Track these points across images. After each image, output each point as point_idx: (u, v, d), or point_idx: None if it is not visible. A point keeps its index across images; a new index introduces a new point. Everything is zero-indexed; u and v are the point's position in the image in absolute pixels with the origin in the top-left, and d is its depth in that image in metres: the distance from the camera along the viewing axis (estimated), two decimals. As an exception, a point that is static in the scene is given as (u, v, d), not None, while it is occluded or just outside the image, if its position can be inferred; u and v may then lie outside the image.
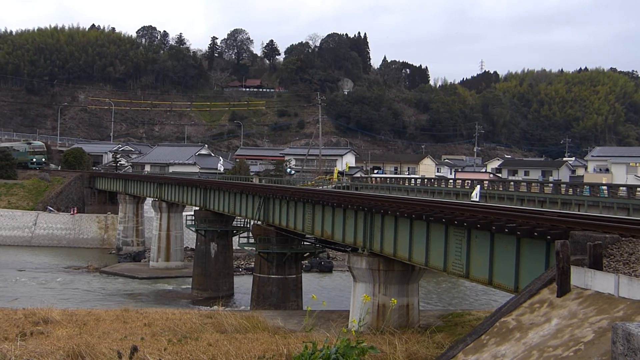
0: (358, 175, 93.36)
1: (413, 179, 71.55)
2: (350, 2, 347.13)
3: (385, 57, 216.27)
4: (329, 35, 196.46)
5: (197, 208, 46.80)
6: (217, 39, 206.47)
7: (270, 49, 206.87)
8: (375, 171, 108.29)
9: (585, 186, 50.23)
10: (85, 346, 13.48)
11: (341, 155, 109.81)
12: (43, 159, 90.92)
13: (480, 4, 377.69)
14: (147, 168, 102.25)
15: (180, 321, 20.75)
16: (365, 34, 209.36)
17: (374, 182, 74.94)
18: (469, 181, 60.87)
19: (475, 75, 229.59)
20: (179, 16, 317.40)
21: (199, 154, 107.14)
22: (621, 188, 45.58)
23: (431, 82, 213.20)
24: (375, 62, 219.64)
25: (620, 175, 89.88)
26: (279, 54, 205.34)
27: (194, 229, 46.48)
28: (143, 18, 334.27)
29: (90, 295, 43.16)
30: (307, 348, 6.68)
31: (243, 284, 45.97)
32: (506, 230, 14.80)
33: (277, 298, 34.09)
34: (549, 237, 13.37)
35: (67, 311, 22.62)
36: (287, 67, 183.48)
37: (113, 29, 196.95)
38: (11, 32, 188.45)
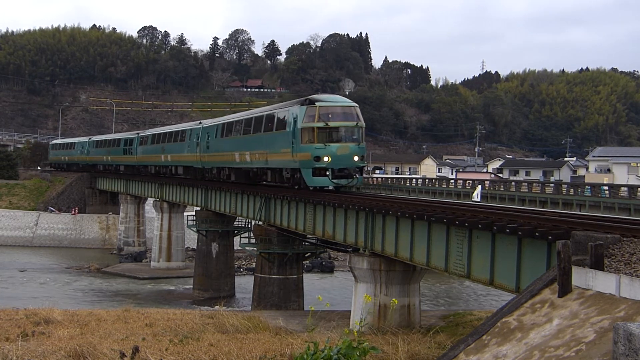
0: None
1: (414, 179, 71.54)
2: (369, 1, 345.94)
3: (386, 57, 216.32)
4: (330, 36, 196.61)
5: (198, 208, 46.81)
6: (218, 39, 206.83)
7: (272, 49, 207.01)
8: (377, 171, 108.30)
9: (586, 186, 50.23)
10: (86, 346, 13.50)
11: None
12: (357, 157, 28.99)
13: (501, 2, 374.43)
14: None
15: (182, 321, 20.77)
16: (367, 34, 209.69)
17: (375, 182, 74.92)
18: (470, 181, 60.86)
19: (476, 75, 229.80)
20: (194, 16, 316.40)
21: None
22: (622, 188, 45.58)
23: (432, 82, 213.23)
24: (377, 62, 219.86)
25: (621, 176, 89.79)
26: (280, 54, 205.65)
27: (195, 229, 46.48)
28: (149, 18, 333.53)
29: (91, 296, 43.19)
30: (309, 348, 6.68)
31: (244, 284, 45.97)
32: (507, 230, 14.80)
33: (278, 298, 34.08)
34: (550, 237, 13.37)
35: (68, 311, 22.63)
36: (288, 68, 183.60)
37: (114, 29, 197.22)
38: (13, 32, 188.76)
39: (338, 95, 33.56)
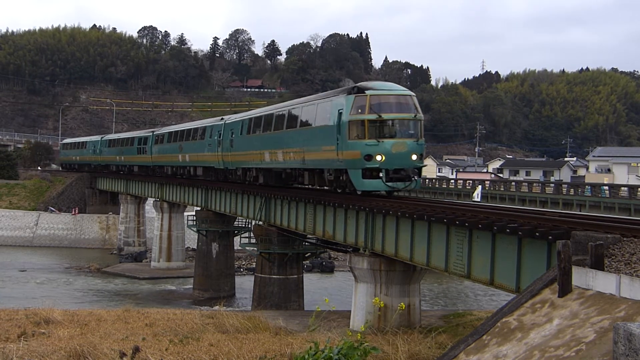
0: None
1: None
2: (369, 1, 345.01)
3: (386, 57, 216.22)
4: (330, 36, 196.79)
5: (198, 208, 46.82)
6: (218, 39, 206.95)
7: (272, 49, 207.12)
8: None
9: (586, 186, 50.28)
10: (87, 346, 13.51)
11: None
12: (415, 156, 24.56)
13: (501, 2, 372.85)
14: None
15: (182, 321, 20.78)
16: (367, 34, 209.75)
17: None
18: (471, 181, 60.89)
19: (476, 75, 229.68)
20: (195, 16, 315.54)
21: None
22: (622, 188, 45.64)
23: (432, 82, 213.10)
24: (377, 62, 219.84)
25: (621, 176, 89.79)
26: (280, 54, 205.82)
27: (195, 229, 46.48)
28: (149, 18, 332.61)
29: (91, 296, 43.20)
30: (310, 348, 6.69)
31: (244, 284, 46.00)
32: (507, 230, 14.81)
33: (278, 298, 34.09)
34: (550, 237, 13.38)
35: (68, 311, 22.63)
36: (289, 68, 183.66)
37: (114, 29, 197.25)
38: (13, 32, 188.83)
39: (390, 83, 28.45)
